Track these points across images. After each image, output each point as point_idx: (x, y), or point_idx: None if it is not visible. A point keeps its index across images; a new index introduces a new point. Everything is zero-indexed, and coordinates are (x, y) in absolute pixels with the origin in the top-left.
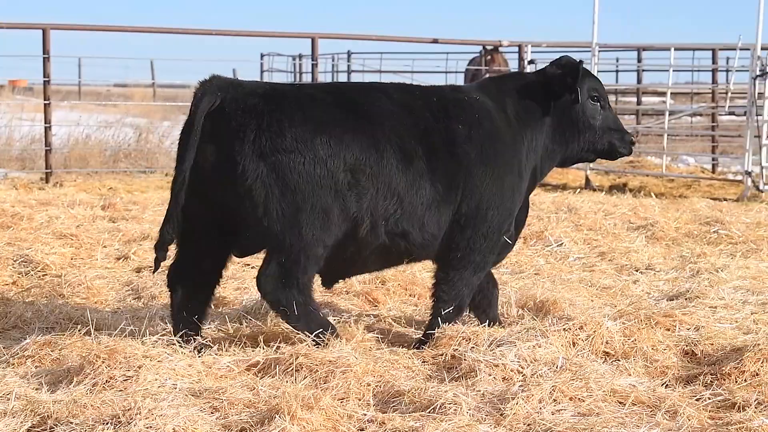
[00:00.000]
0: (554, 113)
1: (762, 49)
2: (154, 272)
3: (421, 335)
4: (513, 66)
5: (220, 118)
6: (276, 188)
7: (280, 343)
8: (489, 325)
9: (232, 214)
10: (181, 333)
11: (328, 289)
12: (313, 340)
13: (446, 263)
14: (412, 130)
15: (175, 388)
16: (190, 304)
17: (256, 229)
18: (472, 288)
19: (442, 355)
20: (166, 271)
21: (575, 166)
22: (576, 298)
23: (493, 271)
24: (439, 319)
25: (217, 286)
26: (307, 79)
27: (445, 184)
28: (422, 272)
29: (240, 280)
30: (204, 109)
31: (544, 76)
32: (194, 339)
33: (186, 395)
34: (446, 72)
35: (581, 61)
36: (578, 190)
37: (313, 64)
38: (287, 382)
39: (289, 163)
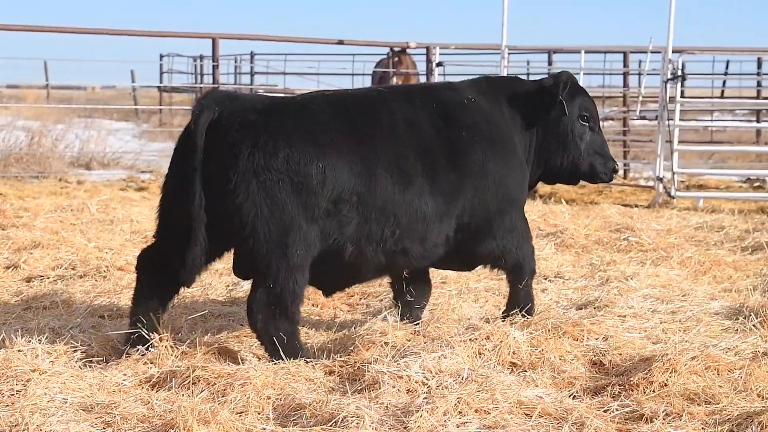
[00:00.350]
0: (544, 124)
1: (673, 52)
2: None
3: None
4: (421, 68)
5: (216, 132)
6: (265, 207)
7: (176, 355)
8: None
9: (222, 229)
10: (135, 319)
11: (326, 297)
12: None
13: (506, 271)
14: (413, 145)
15: (66, 403)
16: (152, 296)
17: (243, 248)
18: (530, 254)
19: (345, 365)
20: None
21: None
22: (484, 307)
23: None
24: (522, 294)
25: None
26: (208, 81)
27: (447, 195)
28: None
29: None
30: (204, 125)
31: (539, 86)
32: (145, 332)
33: (77, 410)
34: (353, 74)
35: (571, 75)
36: None
37: (214, 66)
38: (183, 395)
39: (278, 183)
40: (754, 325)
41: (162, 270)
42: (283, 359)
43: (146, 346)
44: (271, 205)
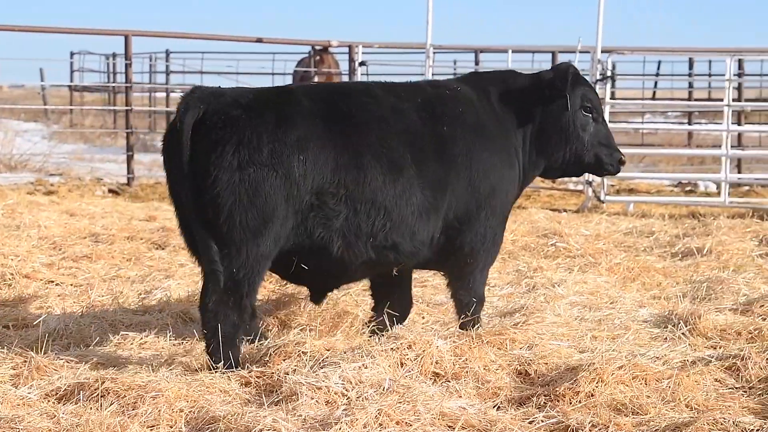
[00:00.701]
0: (542, 118)
1: (603, 52)
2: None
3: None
4: (344, 68)
5: (200, 130)
6: (245, 196)
7: (84, 366)
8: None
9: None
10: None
11: (316, 304)
12: (210, 359)
13: (456, 270)
14: (401, 137)
15: None
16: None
17: (216, 234)
18: (484, 281)
19: (261, 376)
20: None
21: None
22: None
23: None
24: (468, 320)
25: None
26: (121, 80)
27: (434, 189)
28: None
29: (42, 298)
30: (190, 123)
31: (538, 79)
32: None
33: None
34: (273, 74)
35: (572, 66)
36: None
37: (126, 64)
38: (92, 409)
39: (261, 176)
40: (683, 333)
41: None
42: (217, 350)
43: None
44: (253, 195)
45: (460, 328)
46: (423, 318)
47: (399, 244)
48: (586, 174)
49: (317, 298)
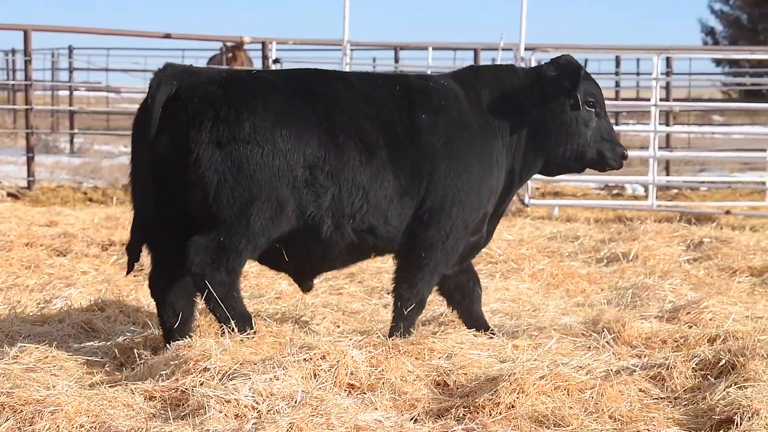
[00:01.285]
0: (541, 115)
1: (526, 49)
2: (127, 274)
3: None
4: (257, 65)
5: (174, 106)
6: (230, 176)
7: None
8: (476, 329)
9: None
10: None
11: (305, 292)
12: (231, 329)
13: (407, 261)
14: (374, 121)
15: None
16: (176, 308)
17: (204, 216)
18: (432, 286)
19: (168, 389)
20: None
21: None
22: (321, 324)
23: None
24: (401, 318)
25: None
26: (20, 77)
27: (408, 175)
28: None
29: None
30: (161, 99)
31: (536, 75)
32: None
33: None
34: None
35: (577, 62)
36: None
37: (26, 60)
38: None
39: (246, 153)
40: (607, 342)
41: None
42: (223, 310)
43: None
44: (237, 173)
45: (390, 329)
46: (338, 327)
47: (375, 227)
48: None
49: (306, 286)
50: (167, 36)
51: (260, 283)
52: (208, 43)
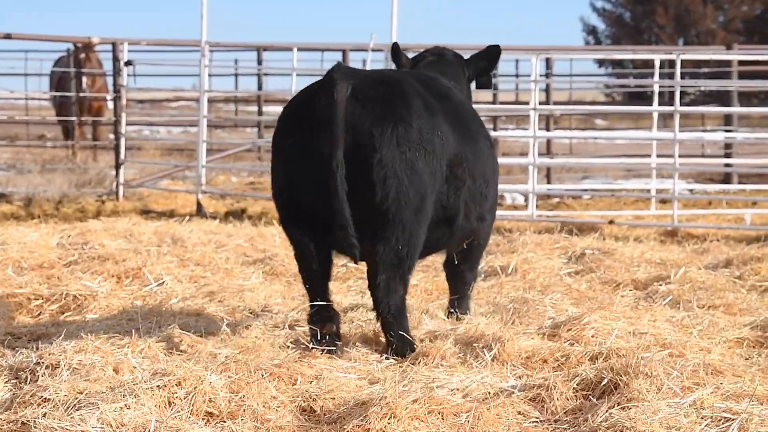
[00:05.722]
0: None
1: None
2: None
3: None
4: (107, 67)
5: (354, 105)
6: (405, 177)
7: None
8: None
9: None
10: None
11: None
12: (392, 348)
13: (466, 253)
14: (470, 113)
15: None
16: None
17: (378, 217)
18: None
19: (7, 422)
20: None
21: (186, 188)
22: (178, 347)
23: None
24: (468, 298)
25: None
26: None
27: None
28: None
29: None
30: (344, 98)
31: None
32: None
33: None
34: (26, 74)
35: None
36: (187, 217)
37: None
38: None
39: (415, 154)
40: (485, 361)
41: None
42: (399, 327)
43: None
44: (411, 174)
45: (461, 307)
46: (196, 350)
47: (483, 216)
48: None
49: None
50: (7, 36)
51: (110, 304)
52: (54, 44)
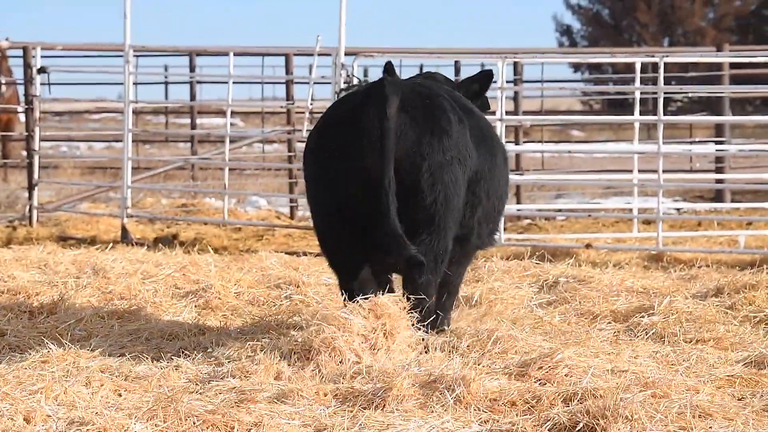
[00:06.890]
0: None
1: (346, 54)
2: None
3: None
4: (18, 75)
5: (404, 118)
6: (450, 185)
7: None
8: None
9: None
10: None
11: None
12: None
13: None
14: (486, 128)
15: None
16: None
17: (425, 224)
18: None
19: None
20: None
21: (109, 211)
22: (98, 393)
23: None
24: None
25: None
26: None
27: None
28: None
29: None
30: (396, 109)
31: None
32: None
33: None
34: None
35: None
36: (111, 245)
37: None
38: None
39: (455, 164)
40: (448, 404)
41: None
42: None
43: None
44: (454, 183)
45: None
46: (121, 396)
47: (493, 232)
48: None
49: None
50: None
51: (21, 344)
52: None
